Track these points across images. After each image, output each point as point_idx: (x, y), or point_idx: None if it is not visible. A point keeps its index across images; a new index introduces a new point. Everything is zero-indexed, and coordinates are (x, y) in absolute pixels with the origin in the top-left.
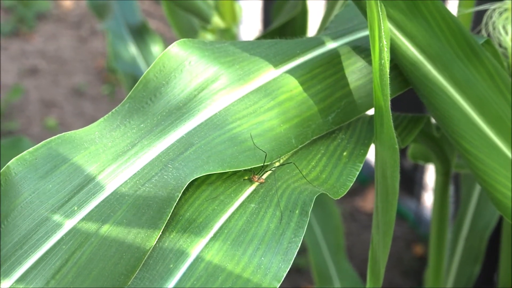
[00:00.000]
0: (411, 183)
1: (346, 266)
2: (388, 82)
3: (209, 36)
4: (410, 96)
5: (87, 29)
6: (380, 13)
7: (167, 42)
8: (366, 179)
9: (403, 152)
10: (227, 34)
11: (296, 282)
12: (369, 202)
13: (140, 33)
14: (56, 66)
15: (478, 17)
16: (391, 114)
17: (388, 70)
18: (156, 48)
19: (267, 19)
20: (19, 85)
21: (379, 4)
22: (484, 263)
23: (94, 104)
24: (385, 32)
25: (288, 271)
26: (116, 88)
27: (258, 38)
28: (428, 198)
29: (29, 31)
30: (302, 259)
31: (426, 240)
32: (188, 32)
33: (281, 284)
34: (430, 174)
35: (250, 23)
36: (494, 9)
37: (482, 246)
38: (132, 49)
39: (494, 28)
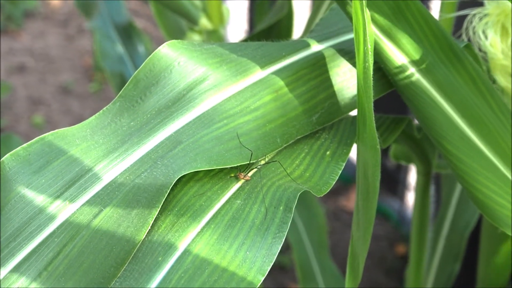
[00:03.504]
0: (394, 183)
1: (329, 264)
2: (372, 84)
3: (196, 37)
4: (393, 97)
5: (75, 27)
6: (365, 17)
7: (153, 41)
8: (349, 179)
9: (386, 152)
10: (214, 36)
11: (280, 280)
12: (352, 201)
13: (127, 32)
14: (43, 64)
15: (459, 21)
16: (373, 115)
17: (371, 73)
18: (142, 47)
19: (253, 19)
20: (7, 83)
21: (364, 9)
22: (464, 261)
23: (81, 102)
24: (369, 36)
25: (272, 270)
26: (103, 86)
27: (245, 40)
28: (411, 198)
29: (17, 29)
30: (286, 258)
31: (409, 239)
32: (176, 33)
33: (265, 282)
34: (414, 174)
35: (236, 24)
36: (474, 14)
37: (462, 244)
38: (119, 48)
39: (474, 33)
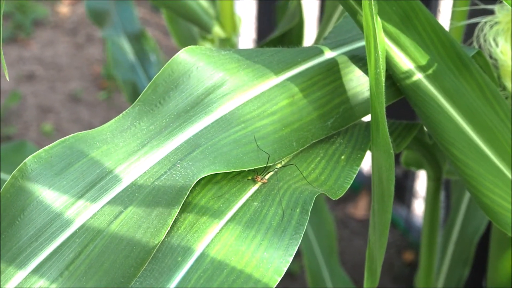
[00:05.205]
0: (401, 190)
1: (339, 270)
2: (384, 90)
3: (208, 45)
4: (405, 104)
5: (83, 36)
6: (376, 25)
7: (163, 50)
8: (358, 187)
9: (396, 159)
10: (227, 44)
11: (289, 287)
12: (360, 209)
13: (139, 41)
14: (53, 72)
15: (471, 29)
16: (386, 120)
17: (383, 79)
18: (154, 56)
19: (261, 29)
20: (17, 91)
21: (374, 18)
22: (474, 267)
23: (90, 110)
24: (380, 43)
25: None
26: (112, 94)
27: (261, 46)
28: (418, 206)
29: (27, 38)
30: (295, 265)
31: (417, 247)
32: (188, 41)
33: None
34: (421, 182)
35: (244, 33)
36: (485, 22)
37: (471, 250)
38: (131, 57)
39: (485, 40)
